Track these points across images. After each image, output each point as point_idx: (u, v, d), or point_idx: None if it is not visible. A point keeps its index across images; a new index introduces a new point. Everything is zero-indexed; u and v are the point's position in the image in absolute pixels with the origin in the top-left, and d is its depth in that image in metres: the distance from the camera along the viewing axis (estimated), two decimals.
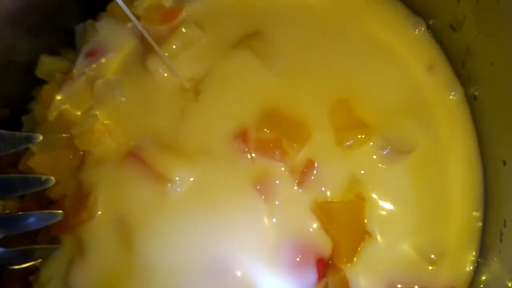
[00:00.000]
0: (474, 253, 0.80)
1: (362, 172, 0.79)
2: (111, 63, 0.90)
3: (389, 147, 0.79)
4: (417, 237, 0.78)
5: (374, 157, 0.79)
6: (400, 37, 0.87)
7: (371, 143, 0.79)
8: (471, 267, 0.80)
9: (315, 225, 0.76)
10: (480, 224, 0.82)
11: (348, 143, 0.79)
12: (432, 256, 0.78)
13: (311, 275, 0.75)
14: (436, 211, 0.80)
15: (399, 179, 0.80)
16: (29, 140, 0.78)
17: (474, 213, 0.81)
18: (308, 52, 0.85)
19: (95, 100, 0.87)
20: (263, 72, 0.83)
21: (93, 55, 0.92)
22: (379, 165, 0.79)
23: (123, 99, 0.86)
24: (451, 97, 0.85)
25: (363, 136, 0.78)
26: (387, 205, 0.78)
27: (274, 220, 0.77)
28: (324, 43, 0.86)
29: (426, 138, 0.82)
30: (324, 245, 0.76)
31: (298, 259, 0.75)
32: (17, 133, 0.78)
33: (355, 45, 0.86)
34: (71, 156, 0.86)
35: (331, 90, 0.82)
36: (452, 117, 0.84)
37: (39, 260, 0.85)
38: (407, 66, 0.85)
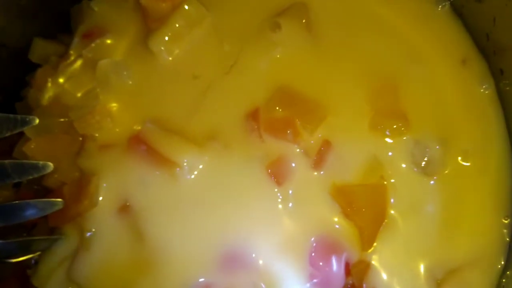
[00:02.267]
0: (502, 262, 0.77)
1: (387, 156, 0.75)
2: (111, 43, 0.85)
3: (425, 158, 0.76)
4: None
5: (403, 154, 0.76)
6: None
7: (405, 138, 0.76)
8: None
9: (334, 211, 0.72)
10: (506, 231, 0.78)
11: (384, 129, 0.76)
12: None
13: (334, 270, 0.71)
14: (464, 218, 0.77)
15: (426, 185, 0.77)
16: (24, 122, 0.73)
17: (503, 220, 0.78)
18: (353, 33, 0.81)
19: (97, 82, 0.82)
20: (307, 44, 0.80)
21: (90, 35, 0.87)
22: (405, 165, 0.76)
23: (130, 82, 0.81)
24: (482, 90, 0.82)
25: (401, 128, 0.75)
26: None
27: (290, 205, 0.74)
28: (369, 28, 0.82)
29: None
30: (346, 235, 0.72)
31: (319, 251, 0.71)
32: (11, 115, 0.73)
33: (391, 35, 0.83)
34: (69, 142, 0.81)
35: (376, 74, 0.79)
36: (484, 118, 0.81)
37: (38, 253, 0.80)
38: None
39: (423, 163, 0.75)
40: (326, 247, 0.71)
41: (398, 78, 0.79)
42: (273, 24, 0.81)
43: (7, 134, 0.72)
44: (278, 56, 0.80)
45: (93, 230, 0.76)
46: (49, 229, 0.81)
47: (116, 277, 0.74)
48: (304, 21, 0.80)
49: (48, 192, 0.82)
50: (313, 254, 0.71)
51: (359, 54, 0.80)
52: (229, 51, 0.82)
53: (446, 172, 0.77)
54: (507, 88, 0.81)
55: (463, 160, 0.77)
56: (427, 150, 0.75)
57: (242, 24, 0.82)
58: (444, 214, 0.75)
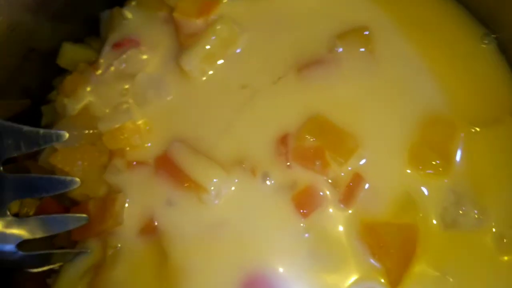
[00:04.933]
0: None
1: (422, 196, 0.73)
2: (144, 56, 0.84)
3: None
4: None
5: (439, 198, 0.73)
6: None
7: (446, 181, 0.73)
8: None
9: (360, 250, 0.71)
10: None
11: (424, 164, 0.73)
12: None
13: None
14: None
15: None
16: (54, 138, 0.72)
17: None
18: (405, 66, 0.79)
19: (133, 96, 0.81)
20: (359, 72, 0.78)
21: (122, 45, 0.86)
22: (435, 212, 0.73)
23: (168, 98, 0.80)
24: None
25: (440, 167, 0.73)
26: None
27: (306, 235, 0.72)
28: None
29: None
30: (373, 276, 0.70)
31: None
32: (41, 130, 0.72)
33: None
34: (97, 154, 0.81)
35: (428, 107, 0.76)
36: None
37: (58, 264, 0.80)
38: None
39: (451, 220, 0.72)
40: None
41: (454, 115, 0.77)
42: (332, 44, 0.79)
43: (35, 149, 0.72)
44: None
45: (118, 246, 0.76)
46: (71, 240, 0.80)
47: None
48: (363, 48, 0.79)
49: (73, 203, 0.81)
50: None
51: (408, 88, 0.78)
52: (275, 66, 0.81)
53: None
54: None
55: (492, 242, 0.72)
56: (463, 208, 0.72)
57: (291, 42, 0.81)
58: None
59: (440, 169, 0.73)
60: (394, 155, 0.74)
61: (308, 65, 0.80)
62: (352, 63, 0.79)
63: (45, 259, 0.79)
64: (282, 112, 0.78)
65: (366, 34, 0.80)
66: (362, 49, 0.80)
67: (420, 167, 0.73)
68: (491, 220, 0.72)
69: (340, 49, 0.80)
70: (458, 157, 0.74)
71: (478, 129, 0.76)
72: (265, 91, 0.80)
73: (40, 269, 0.80)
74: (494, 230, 0.72)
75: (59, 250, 0.79)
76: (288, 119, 0.77)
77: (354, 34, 0.80)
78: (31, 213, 0.84)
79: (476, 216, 0.71)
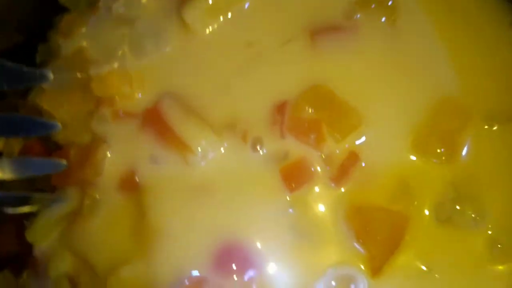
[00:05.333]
0: None
1: (419, 185, 0.68)
2: (144, 2, 0.79)
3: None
4: None
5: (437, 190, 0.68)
6: None
7: (448, 173, 0.68)
8: None
9: (346, 233, 0.67)
10: None
11: (430, 151, 0.68)
12: None
13: None
14: None
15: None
16: (37, 77, 0.69)
17: None
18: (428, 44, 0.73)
19: (130, 43, 0.77)
20: (376, 43, 0.72)
21: None
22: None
23: (167, 49, 0.76)
24: None
25: (443, 156, 0.67)
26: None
27: (291, 211, 0.68)
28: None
29: None
30: (355, 261, 0.67)
31: None
32: (25, 68, 0.68)
33: None
34: (86, 100, 0.77)
35: (443, 92, 0.71)
36: None
37: (36, 207, 0.78)
38: None
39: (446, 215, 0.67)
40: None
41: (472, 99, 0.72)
42: (351, 10, 0.74)
43: (19, 87, 0.68)
44: None
45: (97, 197, 0.74)
46: (51, 185, 0.78)
47: (110, 251, 0.72)
48: (384, 19, 0.73)
49: (57, 147, 0.79)
50: None
51: (425, 68, 0.72)
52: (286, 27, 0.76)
53: None
54: None
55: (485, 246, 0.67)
56: (456, 203, 0.67)
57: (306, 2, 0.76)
58: None
59: (444, 158, 0.68)
60: (398, 136, 0.70)
61: (321, 30, 0.75)
62: (370, 33, 0.74)
63: (23, 201, 0.77)
64: (285, 77, 0.73)
65: (390, 4, 0.74)
66: (383, 19, 0.74)
67: (423, 153, 0.69)
68: (488, 223, 0.67)
69: (359, 16, 0.74)
70: (465, 150, 0.69)
71: (493, 126, 0.70)
72: (272, 52, 0.75)
73: (17, 210, 0.78)
74: (490, 232, 0.67)
75: (37, 193, 0.77)
76: (290, 86, 0.73)
77: (377, 2, 0.74)
78: (15, 152, 0.82)
79: (473, 216, 0.67)
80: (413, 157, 0.69)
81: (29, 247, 0.78)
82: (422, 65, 0.73)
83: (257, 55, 0.75)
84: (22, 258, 0.81)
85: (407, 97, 0.71)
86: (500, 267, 0.66)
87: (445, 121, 0.69)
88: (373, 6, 0.75)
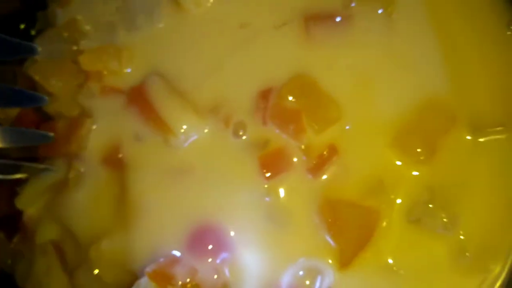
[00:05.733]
0: None
1: (393, 183, 0.68)
2: None
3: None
4: None
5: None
6: None
7: (423, 175, 0.68)
8: None
9: (317, 225, 0.67)
10: None
11: (408, 150, 0.67)
12: None
13: None
14: None
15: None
16: (25, 50, 0.69)
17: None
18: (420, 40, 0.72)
19: (121, 17, 0.77)
20: (369, 35, 0.71)
21: None
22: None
23: (160, 25, 0.75)
24: None
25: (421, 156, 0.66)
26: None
27: (267, 199, 0.69)
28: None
29: None
30: (324, 252, 0.67)
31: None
32: (14, 40, 0.69)
33: None
34: (76, 73, 0.78)
35: (431, 91, 0.70)
36: None
37: (25, 175, 0.80)
38: None
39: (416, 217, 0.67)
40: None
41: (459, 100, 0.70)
42: None
43: (7, 59, 0.69)
44: None
45: (82, 170, 0.75)
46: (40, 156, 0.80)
47: (92, 222, 0.74)
48: (381, 10, 0.72)
49: (49, 118, 0.80)
50: None
51: (416, 64, 0.71)
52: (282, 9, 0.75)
53: None
54: None
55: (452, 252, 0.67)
56: (429, 206, 0.66)
57: None
58: None
59: (422, 158, 0.67)
60: (378, 132, 0.69)
61: (317, 17, 0.73)
62: (366, 24, 0.72)
63: (14, 169, 0.79)
64: (274, 63, 0.73)
65: None
66: (380, 11, 0.72)
67: (402, 151, 0.68)
68: (459, 229, 0.67)
69: (355, 5, 0.73)
70: (444, 153, 0.68)
71: (477, 138, 0.69)
72: (265, 34, 0.75)
73: (8, 177, 0.81)
74: (461, 238, 0.67)
75: (26, 162, 0.79)
76: (277, 73, 0.72)
77: None
78: (11, 119, 0.83)
79: (444, 220, 0.66)
80: (391, 155, 0.68)
81: (20, 213, 0.81)
82: (413, 61, 0.71)
83: (251, 35, 0.75)
84: (14, 222, 0.84)
85: (394, 92, 0.70)
86: (463, 279, 0.66)
87: (429, 121, 0.68)
88: None
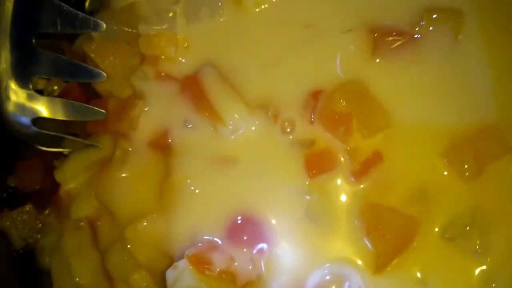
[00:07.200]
0: None
1: (437, 197, 0.68)
2: None
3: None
4: None
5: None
6: None
7: (467, 194, 0.68)
8: None
9: (357, 228, 0.69)
10: None
11: (458, 165, 0.68)
12: None
13: None
14: None
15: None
16: (91, 25, 0.71)
17: None
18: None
19: (184, 7, 0.78)
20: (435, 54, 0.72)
21: None
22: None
23: (222, 19, 0.77)
24: None
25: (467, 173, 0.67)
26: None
27: (307, 197, 0.70)
28: None
29: None
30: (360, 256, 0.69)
31: None
32: (81, 14, 0.71)
33: None
34: (131, 55, 0.79)
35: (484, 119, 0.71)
36: None
37: (67, 150, 0.81)
38: None
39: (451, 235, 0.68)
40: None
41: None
42: (418, 17, 0.73)
43: (70, 32, 0.71)
44: None
45: (129, 150, 0.76)
46: (85, 131, 0.81)
47: (132, 202, 0.75)
48: (450, 33, 0.73)
49: (96, 96, 0.81)
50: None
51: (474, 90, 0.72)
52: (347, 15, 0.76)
53: None
54: None
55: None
56: (468, 231, 0.67)
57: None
58: None
59: (467, 174, 0.68)
60: (429, 141, 0.70)
61: (384, 31, 0.74)
62: (432, 43, 0.72)
63: (57, 142, 0.81)
64: (330, 65, 0.74)
65: (459, 18, 0.73)
66: (448, 32, 0.73)
67: (451, 163, 0.68)
68: (488, 257, 0.67)
69: (425, 24, 0.73)
70: (490, 177, 0.68)
71: None
72: (329, 37, 0.75)
73: (50, 149, 0.82)
74: (485, 268, 0.67)
75: (72, 137, 0.80)
76: (331, 75, 0.73)
77: (448, 14, 0.73)
78: (56, 94, 0.85)
79: (477, 246, 0.67)
80: (440, 164, 0.69)
81: (54, 186, 0.82)
82: (474, 84, 0.72)
83: (314, 36, 0.75)
84: (45, 196, 0.84)
85: (449, 110, 0.71)
86: None
87: (485, 143, 0.69)
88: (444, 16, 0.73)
